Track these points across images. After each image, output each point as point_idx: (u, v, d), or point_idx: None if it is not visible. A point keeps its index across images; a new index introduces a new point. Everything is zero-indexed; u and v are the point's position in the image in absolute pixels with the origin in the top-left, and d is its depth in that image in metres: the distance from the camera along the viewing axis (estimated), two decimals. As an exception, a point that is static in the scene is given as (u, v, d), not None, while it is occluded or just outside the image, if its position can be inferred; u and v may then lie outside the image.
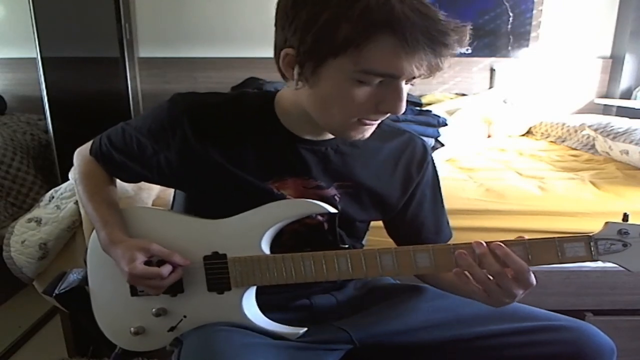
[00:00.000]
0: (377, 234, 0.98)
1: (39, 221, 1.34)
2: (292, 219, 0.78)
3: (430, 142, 1.92)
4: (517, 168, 1.84)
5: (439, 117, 1.99)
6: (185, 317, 0.79)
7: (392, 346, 0.82)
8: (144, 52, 2.78)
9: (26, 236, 1.32)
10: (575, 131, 2.29)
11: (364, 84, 0.65)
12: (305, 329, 0.79)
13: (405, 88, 0.67)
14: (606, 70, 2.89)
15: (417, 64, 0.62)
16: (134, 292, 0.81)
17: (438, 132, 1.95)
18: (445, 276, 0.85)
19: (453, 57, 0.64)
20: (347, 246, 0.84)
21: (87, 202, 0.85)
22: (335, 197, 0.82)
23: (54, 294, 0.88)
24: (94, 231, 0.83)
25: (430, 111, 2.06)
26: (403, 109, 0.67)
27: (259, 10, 2.64)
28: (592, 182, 1.58)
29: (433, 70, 0.64)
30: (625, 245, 0.68)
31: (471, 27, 0.63)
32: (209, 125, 0.78)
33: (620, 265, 0.69)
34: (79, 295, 0.87)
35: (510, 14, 2.78)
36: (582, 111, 2.91)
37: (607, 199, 1.46)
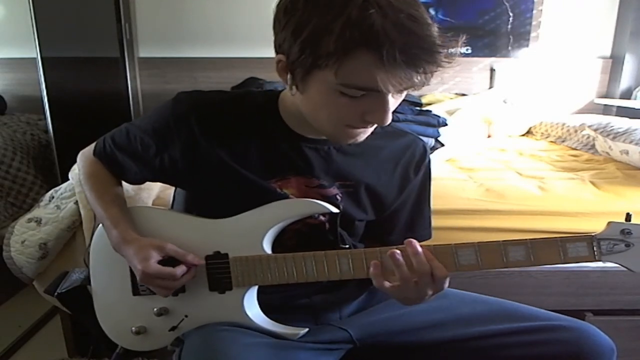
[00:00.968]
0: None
1: (39, 221, 1.34)
2: (294, 218, 0.78)
3: (430, 142, 1.92)
4: (517, 168, 1.83)
5: (439, 117, 1.99)
6: (186, 316, 0.79)
7: (393, 346, 0.82)
8: (144, 52, 2.78)
9: (26, 236, 1.32)
10: (575, 131, 2.29)
11: (348, 95, 0.65)
12: (307, 329, 0.79)
13: (393, 100, 0.66)
14: (606, 70, 2.88)
15: (397, 80, 0.61)
16: (135, 291, 0.81)
17: (438, 132, 1.95)
18: None
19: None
20: (347, 246, 0.85)
21: (95, 202, 0.84)
22: (337, 196, 0.82)
23: (55, 294, 0.88)
24: (97, 231, 0.83)
25: (430, 111, 2.06)
26: (388, 121, 0.67)
27: (259, 10, 2.63)
28: (592, 182, 1.58)
29: (418, 84, 0.63)
30: (628, 245, 0.68)
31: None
32: (216, 123, 0.78)
33: (623, 266, 0.68)
34: (81, 295, 0.87)
35: (510, 14, 2.78)
36: (582, 111, 2.91)
37: (607, 199, 1.46)
